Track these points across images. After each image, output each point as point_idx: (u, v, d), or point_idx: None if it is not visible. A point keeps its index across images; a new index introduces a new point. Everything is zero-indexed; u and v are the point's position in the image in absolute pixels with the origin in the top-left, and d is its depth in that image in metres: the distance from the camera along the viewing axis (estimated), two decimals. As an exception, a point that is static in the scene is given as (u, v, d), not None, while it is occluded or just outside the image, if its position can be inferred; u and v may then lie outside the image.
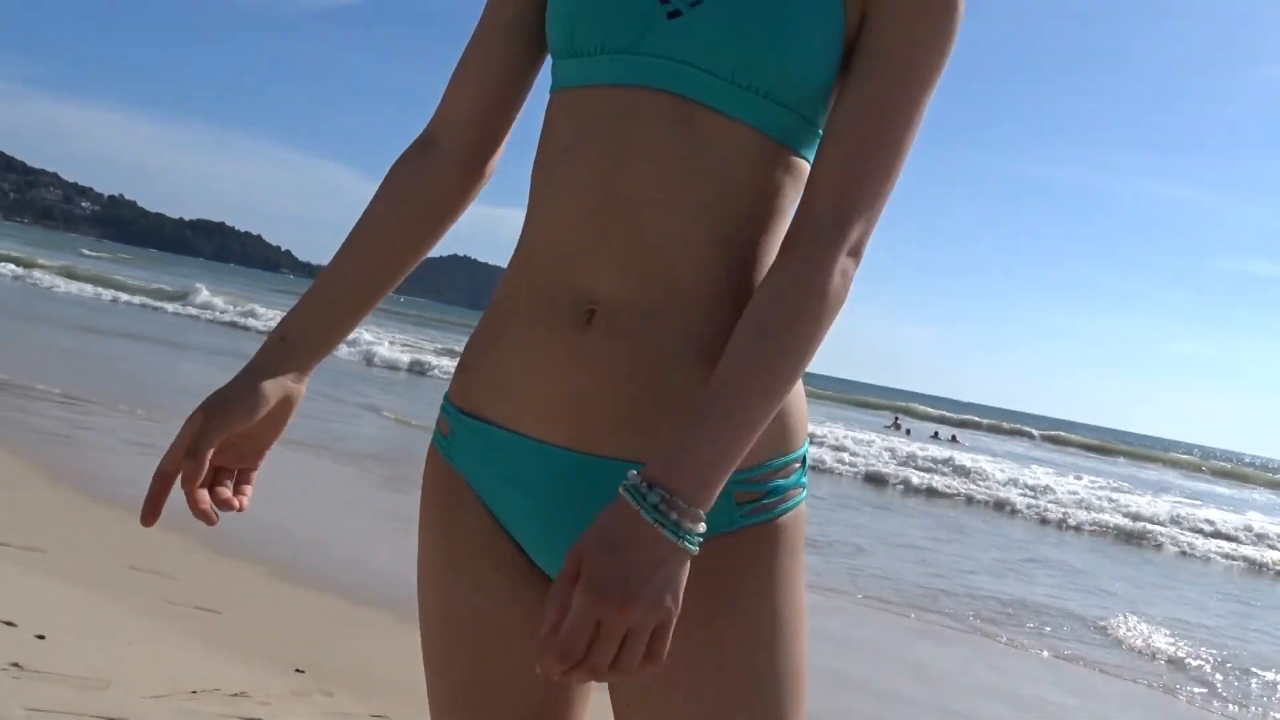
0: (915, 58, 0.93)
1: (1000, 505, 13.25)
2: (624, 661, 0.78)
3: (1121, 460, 36.44)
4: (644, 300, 0.93)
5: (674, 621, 0.80)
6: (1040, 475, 17.18)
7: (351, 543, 5.28)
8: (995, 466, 16.91)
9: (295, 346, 1.05)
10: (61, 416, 6.91)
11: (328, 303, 1.08)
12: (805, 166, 0.99)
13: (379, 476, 7.18)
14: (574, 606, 0.77)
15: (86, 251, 53.52)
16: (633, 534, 0.79)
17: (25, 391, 7.50)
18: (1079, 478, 19.96)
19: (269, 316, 21.44)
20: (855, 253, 0.91)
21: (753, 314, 0.89)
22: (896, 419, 33.01)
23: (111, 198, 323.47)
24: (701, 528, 0.81)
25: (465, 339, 1.07)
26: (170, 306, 22.42)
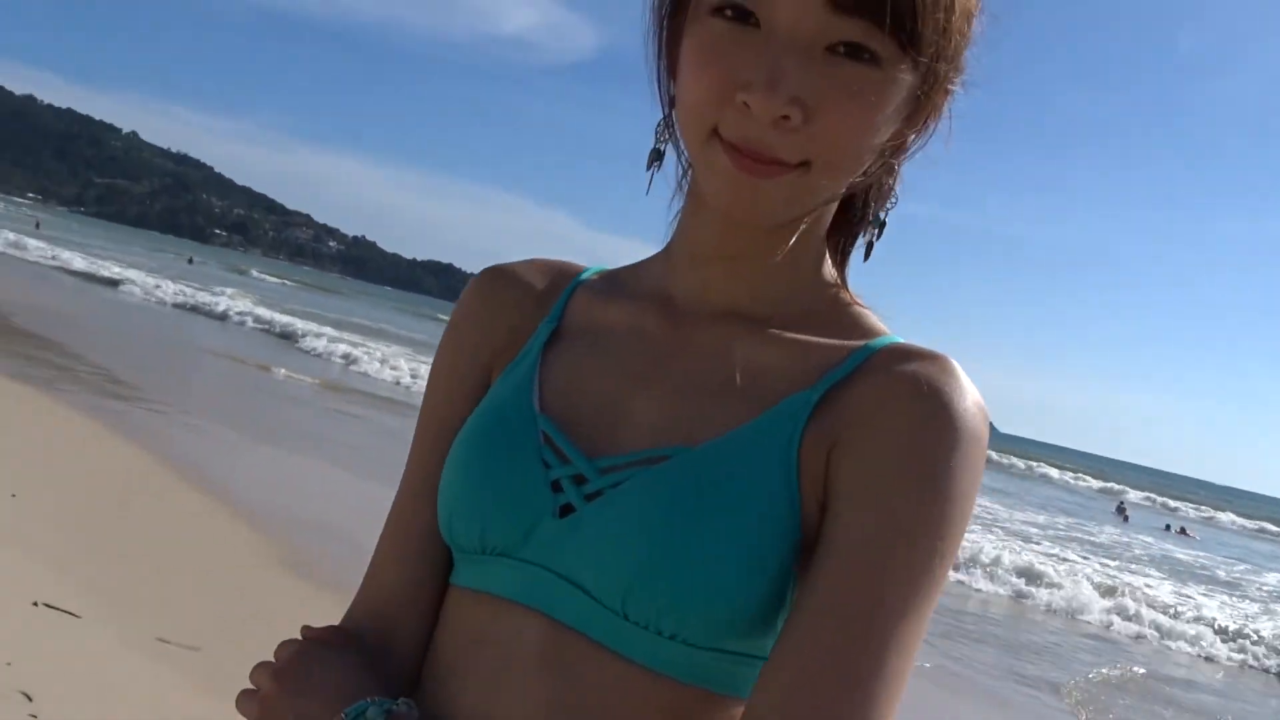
0: (897, 551, 0.65)
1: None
2: None
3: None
4: None
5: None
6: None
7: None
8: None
9: None
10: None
11: None
12: (732, 704, 0.72)
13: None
14: None
15: (256, 274, 57.69)
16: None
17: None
18: None
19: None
20: None
21: None
22: (1122, 505, 30.93)
23: (355, 238, 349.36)
24: None
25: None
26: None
